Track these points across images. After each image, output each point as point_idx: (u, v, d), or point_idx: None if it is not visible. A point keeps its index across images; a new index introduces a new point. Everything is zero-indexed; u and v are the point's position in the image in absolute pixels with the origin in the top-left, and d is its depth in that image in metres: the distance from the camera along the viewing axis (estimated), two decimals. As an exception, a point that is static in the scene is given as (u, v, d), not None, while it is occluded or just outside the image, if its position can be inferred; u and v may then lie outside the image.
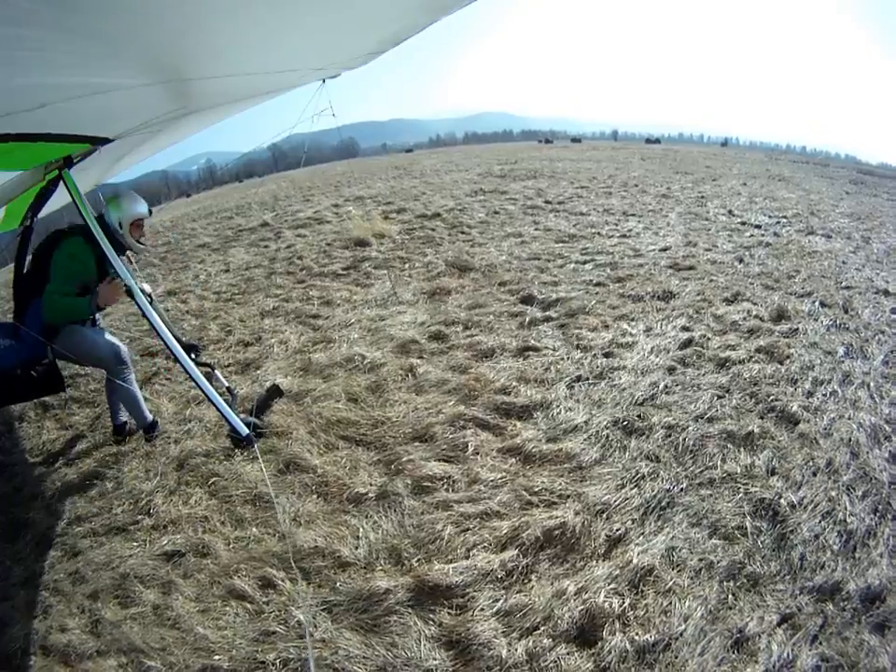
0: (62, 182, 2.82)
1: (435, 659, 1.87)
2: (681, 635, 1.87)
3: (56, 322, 2.91)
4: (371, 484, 2.69)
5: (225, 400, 2.82)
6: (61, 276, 2.84)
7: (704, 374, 3.37)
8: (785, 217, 8.11)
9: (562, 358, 3.62)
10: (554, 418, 3.00)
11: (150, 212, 3.15)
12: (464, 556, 2.23)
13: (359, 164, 31.87)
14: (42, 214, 3.99)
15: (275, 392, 3.45)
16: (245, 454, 3.00)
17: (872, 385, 3.31)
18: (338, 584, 2.18)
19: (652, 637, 1.85)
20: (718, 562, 2.15)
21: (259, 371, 4.02)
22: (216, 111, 3.45)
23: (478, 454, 2.76)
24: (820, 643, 1.84)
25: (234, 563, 2.36)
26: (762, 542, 2.23)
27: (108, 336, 3.15)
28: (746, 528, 2.29)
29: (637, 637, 1.85)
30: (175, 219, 14.89)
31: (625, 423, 2.92)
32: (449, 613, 2.01)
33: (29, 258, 3.12)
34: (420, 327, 4.37)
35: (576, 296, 4.65)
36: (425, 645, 1.91)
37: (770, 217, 8.09)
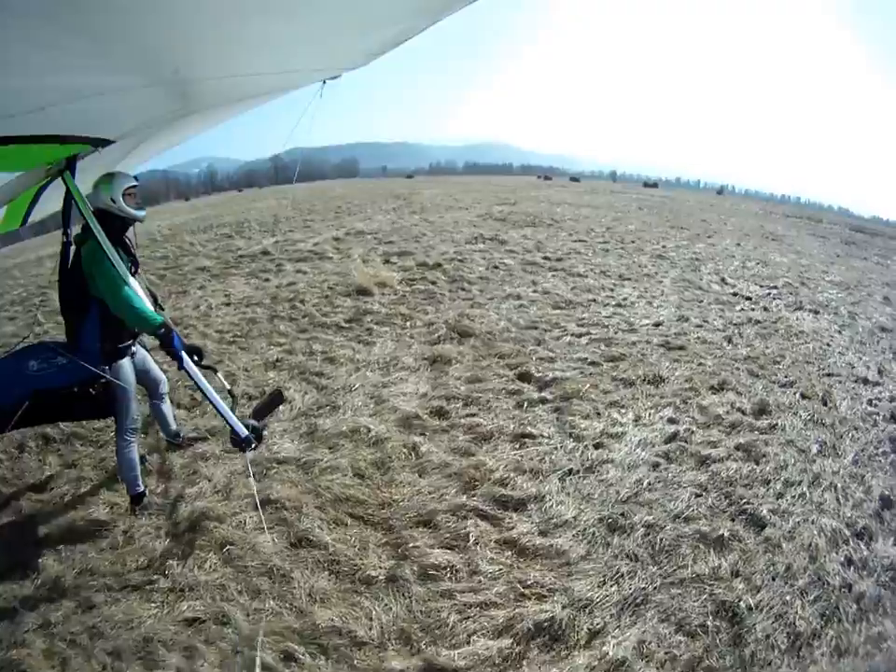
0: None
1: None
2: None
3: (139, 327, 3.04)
4: (380, 567, 2.97)
5: (226, 403, 3.09)
6: (112, 283, 2.88)
7: (685, 471, 3.71)
8: (775, 287, 8.58)
9: (556, 448, 3.95)
10: (546, 511, 3.32)
11: (136, 178, 3.12)
12: (466, 642, 2.56)
13: (359, 186, 32.22)
14: (43, 216, 4.19)
15: (278, 397, 3.53)
16: (256, 522, 3.20)
17: (839, 486, 3.62)
18: (355, 662, 2.48)
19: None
20: (680, 655, 2.49)
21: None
22: (217, 111, 3.54)
23: (478, 544, 3.09)
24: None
25: (255, 634, 2.55)
26: (720, 640, 2.57)
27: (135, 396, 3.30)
28: (707, 626, 2.62)
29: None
30: (173, 228, 15.45)
31: (610, 520, 3.26)
32: (453, 695, 2.34)
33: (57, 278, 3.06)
34: (422, 399, 4.65)
35: (571, 376, 5.00)
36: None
37: (761, 286, 8.57)
